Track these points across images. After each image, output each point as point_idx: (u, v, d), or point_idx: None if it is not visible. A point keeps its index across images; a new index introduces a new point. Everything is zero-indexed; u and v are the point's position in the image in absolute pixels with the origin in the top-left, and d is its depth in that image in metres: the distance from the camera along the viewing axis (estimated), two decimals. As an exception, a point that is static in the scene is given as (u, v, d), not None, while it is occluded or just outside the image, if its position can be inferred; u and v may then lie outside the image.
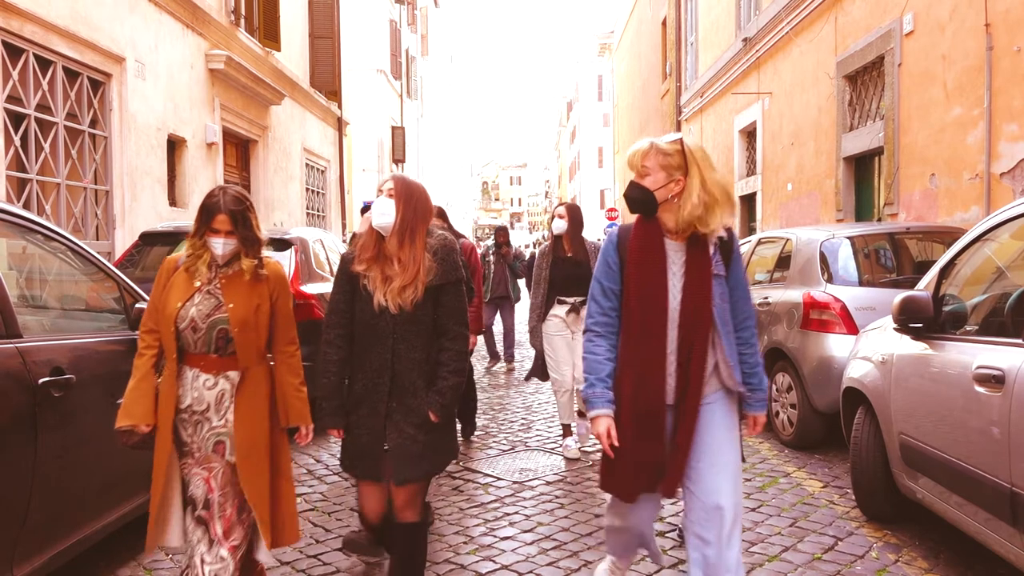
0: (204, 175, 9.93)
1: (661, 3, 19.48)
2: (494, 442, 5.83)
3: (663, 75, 19.67)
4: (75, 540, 2.98)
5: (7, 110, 6.43)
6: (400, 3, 25.11)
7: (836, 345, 5.14)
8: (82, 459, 3.00)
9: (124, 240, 7.82)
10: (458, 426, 5.47)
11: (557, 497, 4.50)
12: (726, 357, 2.51)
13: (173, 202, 9.24)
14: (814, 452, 5.41)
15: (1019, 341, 2.77)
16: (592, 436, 5.30)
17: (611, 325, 2.55)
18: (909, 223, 6.99)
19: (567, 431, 5.47)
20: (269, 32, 12.14)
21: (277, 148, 13.01)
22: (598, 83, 47.96)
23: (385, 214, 2.70)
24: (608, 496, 2.71)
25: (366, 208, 3.96)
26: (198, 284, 2.63)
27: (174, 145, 9.37)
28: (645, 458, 2.47)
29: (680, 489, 2.54)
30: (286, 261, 5.92)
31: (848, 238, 5.65)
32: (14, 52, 6.52)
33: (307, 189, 14.83)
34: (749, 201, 13.06)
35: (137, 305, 3.47)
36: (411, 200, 2.73)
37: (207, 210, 2.61)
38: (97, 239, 7.71)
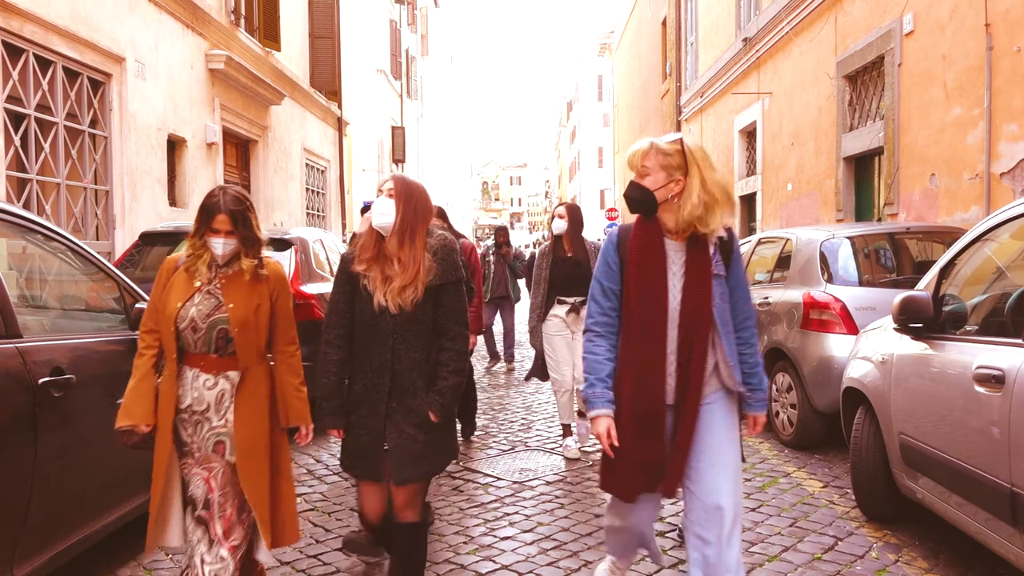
0: (204, 175, 9.93)
1: (661, 3, 19.48)
2: (494, 442, 5.83)
3: (663, 75, 19.67)
4: (75, 540, 2.98)
5: (7, 110, 6.43)
6: (400, 3, 25.11)
7: (836, 345, 5.14)
8: (82, 459, 3.00)
9: (124, 240, 7.82)
10: (458, 426, 5.47)
11: (557, 497, 4.50)
12: (726, 357, 2.51)
13: (173, 202, 9.24)
14: (814, 452, 5.41)
15: (1019, 341, 2.77)
16: (592, 436, 5.31)
17: (611, 325, 2.55)
18: (909, 223, 6.99)
19: (567, 431, 5.47)
20: (269, 32, 12.14)
21: (277, 148, 13.01)
22: (598, 83, 47.96)
23: (385, 214, 2.70)
24: (608, 496, 2.71)
25: (366, 208, 3.96)
26: (198, 284, 2.63)
27: (174, 145, 9.37)
28: (645, 458, 2.47)
29: (680, 489, 2.54)
30: (286, 261, 5.92)
31: (848, 238, 5.65)
32: (14, 52, 6.52)
33: (307, 189, 14.83)
34: (749, 201, 13.06)
35: (137, 305, 3.47)
36: (411, 200, 2.73)
37: (207, 210, 2.61)
38: (97, 239, 7.71)
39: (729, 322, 2.54)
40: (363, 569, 3.43)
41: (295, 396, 2.74)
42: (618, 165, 29.21)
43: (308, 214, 14.80)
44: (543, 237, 42.55)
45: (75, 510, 3.00)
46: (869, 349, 4.07)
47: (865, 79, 8.78)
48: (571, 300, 5.27)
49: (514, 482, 4.80)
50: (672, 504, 4.01)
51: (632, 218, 2.61)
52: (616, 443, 2.45)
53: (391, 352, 2.70)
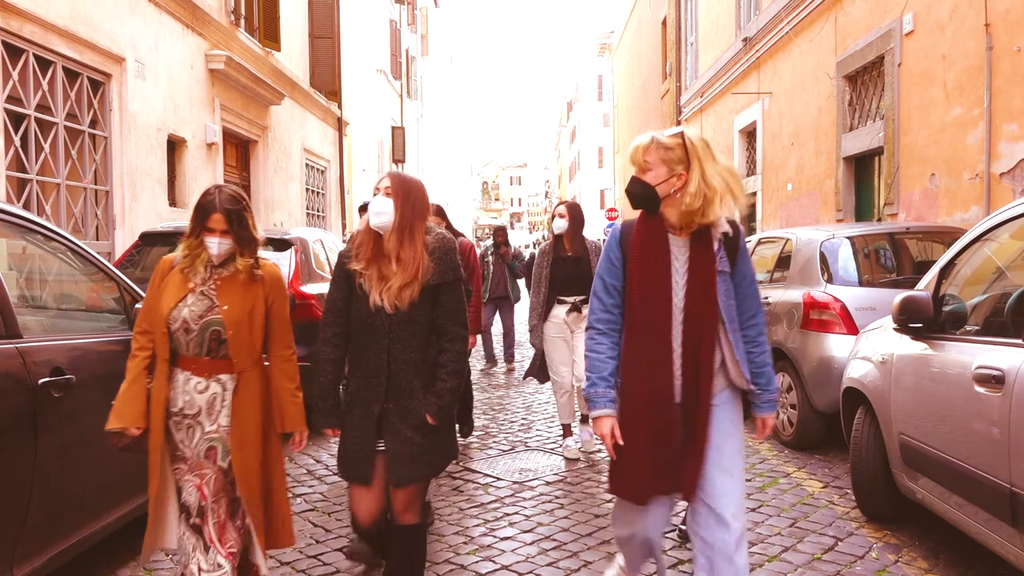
0: (204, 175, 9.93)
1: (661, 3, 19.48)
2: (494, 442, 5.83)
3: (663, 75, 19.67)
4: (75, 540, 2.98)
5: (7, 110, 6.43)
6: (400, 3, 25.11)
7: (836, 345, 5.14)
8: (82, 459, 2.99)
9: (124, 240, 7.82)
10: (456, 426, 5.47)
11: (557, 497, 4.50)
12: (733, 355, 2.47)
13: (173, 202, 9.24)
14: (814, 452, 5.41)
15: (1019, 341, 2.77)
16: (596, 439, 5.30)
17: (614, 322, 2.52)
18: (909, 223, 6.99)
19: (567, 431, 5.47)
20: (269, 32, 12.14)
21: (277, 148, 13.01)
22: (598, 83, 47.95)
23: (383, 213, 2.66)
24: (612, 504, 2.66)
25: (365, 208, 3.95)
26: (191, 285, 2.61)
27: (174, 145, 9.37)
28: (656, 459, 2.43)
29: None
30: (286, 261, 5.92)
31: (848, 238, 5.65)
32: (14, 52, 6.52)
33: (307, 189, 14.83)
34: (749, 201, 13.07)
35: (137, 305, 3.47)
36: (408, 198, 2.70)
37: (203, 209, 2.59)
38: (97, 239, 7.71)
39: (735, 319, 2.50)
40: (363, 570, 3.43)
41: (290, 401, 2.71)
42: (618, 165, 29.22)
43: (308, 214, 14.80)
44: (543, 237, 42.56)
45: (75, 510, 3.00)
46: (869, 349, 4.07)
47: (865, 79, 8.78)
48: (571, 299, 5.26)
49: (514, 482, 4.80)
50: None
51: (636, 214, 2.58)
52: (620, 442, 2.42)
53: (387, 352, 2.67)
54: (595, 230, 30.31)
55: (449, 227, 5.47)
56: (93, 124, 7.74)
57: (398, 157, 24.56)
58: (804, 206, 10.40)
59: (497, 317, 9.79)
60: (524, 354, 10.30)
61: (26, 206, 6.62)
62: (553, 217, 5.54)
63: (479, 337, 7.26)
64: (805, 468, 5.05)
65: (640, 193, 2.46)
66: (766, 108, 11.89)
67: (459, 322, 2.76)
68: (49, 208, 6.98)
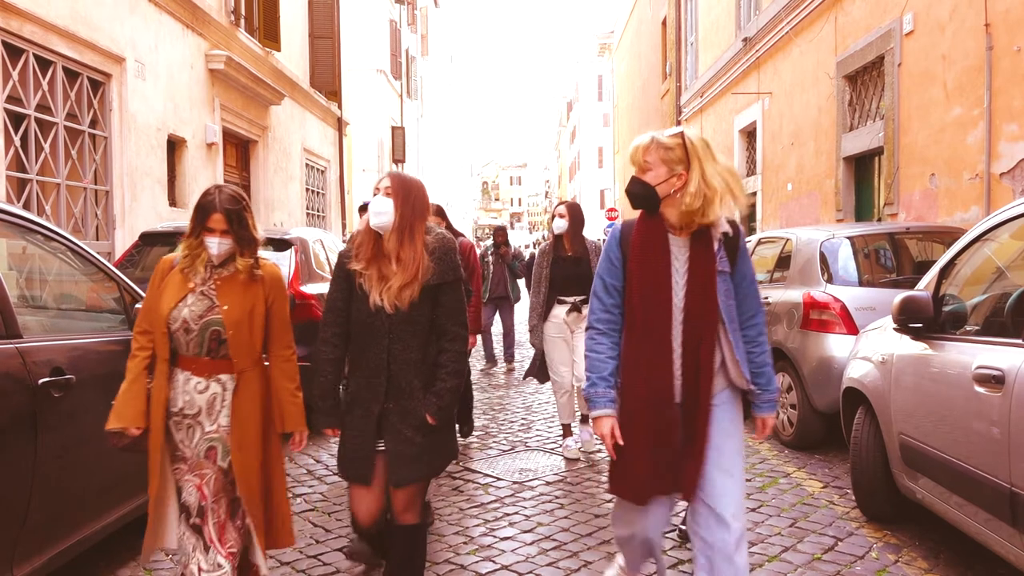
0: (204, 175, 9.93)
1: (661, 3, 19.48)
2: (494, 442, 5.83)
3: (663, 75, 19.67)
4: (75, 540, 2.98)
5: (7, 110, 6.43)
6: (400, 3, 25.12)
7: (836, 345, 5.14)
8: (82, 459, 2.99)
9: (124, 240, 7.82)
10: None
11: (557, 497, 4.50)
12: (733, 354, 2.47)
13: (173, 202, 9.24)
14: (814, 452, 5.41)
15: (1019, 341, 2.77)
16: (596, 439, 5.30)
17: (614, 322, 2.52)
18: (909, 223, 6.99)
19: (567, 431, 5.47)
20: (269, 32, 12.14)
21: (277, 148, 13.01)
22: (598, 83, 47.95)
23: (383, 213, 2.66)
24: (612, 504, 2.66)
25: (365, 207, 3.95)
26: (191, 285, 2.61)
27: (174, 145, 9.37)
28: (655, 459, 2.43)
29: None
30: (286, 261, 5.92)
31: (848, 238, 5.65)
32: (14, 52, 6.52)
33: (307, 189, 14.83)
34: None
35: (137, 305, 3.47)
36: (408, 197, 2.70)
37: (202, 209, 2.58)
38: (97, 239, 7.71)
39: (735, 319, 2.50)
40: (363, 570, 3.43)
41: (290, 401, 2.71)
42: (618, 165, 29.23)
43: (308, 214, 14.80)
44: (543, 237, 42.56)
45: (75, 510, 3.00)
46: (869, 349, 4.07)
47: (865, 79, 8.78)
48: (571, 299, 5.26)
49: (514, 482, 4.80)
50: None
51: (636, 214, 2.58)
52: (620, 442, 2.42)
53: (387, 352, 2.66)
54: (595, 230, 30.32)
55: (449, 227, 5.47)
56: (93, 124, 7.74)
57: (398, 157, 24.56)
58: (804, 206, 10.40)
59: (497, 317, 9.79)
60: (524, 354, 10.29)
61: (26, 206, 6.62)
62: (553, 217, 5.54)
63: (479, 337, 7.26)
64: (805, 468, 5.05)
65: (640, 193, 2.46)
66: (766, 108, 11.89)
67: (459, 322, 2.76)
68: (49, 208, 6.98)
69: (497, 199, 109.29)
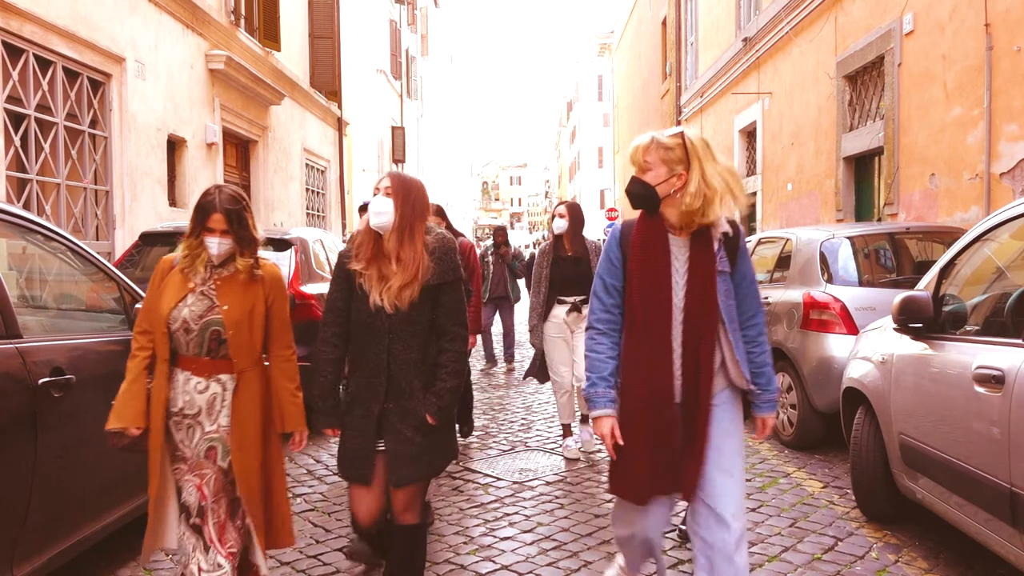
0: (204, 175, 9.93)
1: (661, 3, 19.48)
2: (494, 442, 5.83)
3: (663, 75, 19.67)
4: (75, 540, 2.98)
5: (7, 110, 6.43)
6: (400, 3, 25.12)
7: (836, 345, 5.14)
8: (82, 459, 2.99)
9: (124, 240, 7.82)
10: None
11: (557, 497, 4.50)
12: (733, 354, 2.47)
13: (173, 202, 9.24)
14: (814, 452, 5.41)
15: (1019, 341, 2.77)
16: (596, 439, 5.30)
17: (614, 322, 2.52)
18: (909, 223, 6.99)
19: (567, 431, 5.47)
20: (269, 32, 12.14)
21: (277, 148, 13.01)
22: (598, 83, 47.95)
23: (383, 213, 2.66)
24: (612, 504, 2.66)
25: (365, 207, 3.95)
26: (191, 285, 2.61)
27: (174, 145, 9.37)
28: (656, 459, 2.42)
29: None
30: (286, 261, 5.92)
31: (848, 238, 5.65)
32: (14, 52, 6.52)
33: (307, 189, 14.83)
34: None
35: (137, 305, 3.47)
36: (408, 197, 2.69)
37: (202, 209, 2.58)
38: (97, 239, 7.71)
39: (735, 319, 2.50)
40: (363, 570, 3.43)
41: (290, 402, 2.71)
42: (618, 165, 29.23)
43: (308, 214, 14.80)
44: (543, 237, 42.56)
45: (75, 510, 3.00)
46: (869, 349, 4.07)
47: (865, 79, 8.78)
48: (571, 299, 5.26)
49: (514, 482, 4.80)
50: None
51: (636, 214, 2.57)
52: (620, 442, 2.42)
53: (387, 352, 2.66)
54: (595, 230, 30.32)
55: (449, 227, 5.47)
56: (93, 124, 7.74)
57: (398, 157, 24.57)
58: (804, 206, 10.40)
59: (497, 317, 9.79)
60: (524, 354, 10.29)
61: (26, 206, 6.62)
62: (553, 217, 5.54)
63: (479, 337, 7.26)
64: (805, 468, 5.05)
65: (640, 193, 2.46)
66: (766, 108, 11.89)
67: (459, 322, 2.76)
68: (49, 208, 6.98)
69: (497, 199, 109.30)
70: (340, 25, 15.77)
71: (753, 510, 4.19)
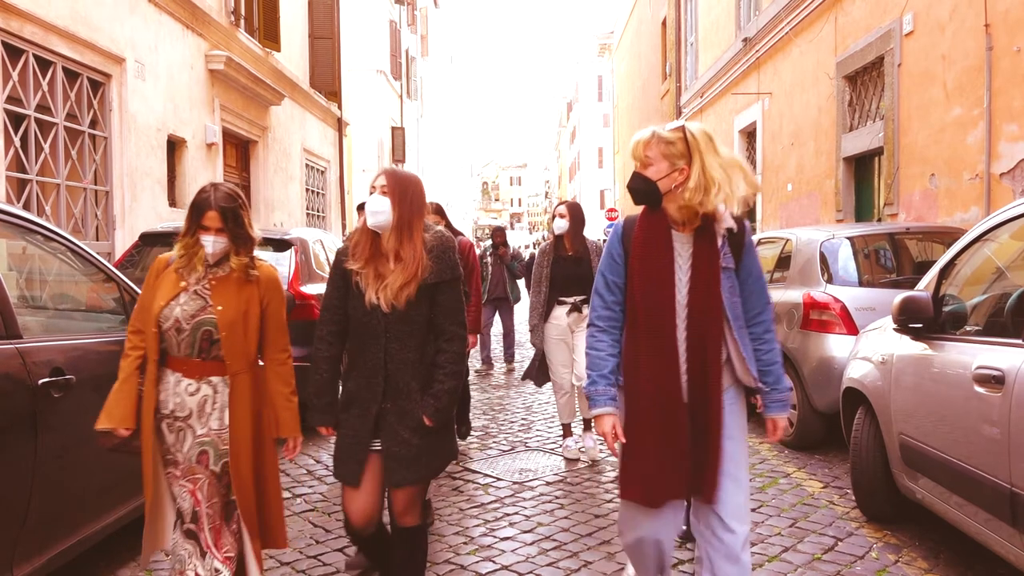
0: (204, 176, 9.93)
1: (661, 3, 19.48)
2: (494, 442, 5.83)
3: (663, 75, 19.67)
4: (75, 540, 2.98)
5: (7, 110, 6.43)
6: (400, 3, 25.11)
7: (836, 345, 5.14)
8: (82, 459, 2.99)
9: (124, 241, 7.82)
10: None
11: (557, 497, 4.50)
12: (740, 352, 2.42)
13: (173, 203, 9.24)
14: (814, 452, 5.41)
15: (1019, 341, 2.77)
16: (600, 444, 5.28)
17: (614, 319, 2.48)
18: (909, 223, 6.99)
19: (567, 431, 5.46)
20: (269, 32, 12.14)
21: (277, 148, 13.01)
22: (598, 83, 47.96)
23: (380, 212, 2.61)
24: (613, 505, 2.62)
25: (363, 207, 3.94)
26: (184, 284, 2.58)
27: (174, 145, 9.37)
28: (665, 460, 2.37)
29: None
30: (286, 261, 5.92)
31: (848, 238, 5.65)
32: (14, 52, 6.52)
33: (307, 189, 14.83)
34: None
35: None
36: (406, 195, 2.65)
37: (197, 207, 2.55)
38: (97, 240, 7.71)
39: (741, 316, 2.45)
40: (363, 570, 3.43)
41: (285, 407, 2.68)
42: (618, 165, 29.24)
43: (308, 214, 14.80)
44: (543, 237, 42.55)
45: (75, 510, 3.00)
46: (869, 349, 4.07)
47: (865, 79, 8.78)
48: (571, 300, 5.26)
49: (514, 482, 4.80)
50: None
51: (638, 211, 2.52)
52: (622, 439, 2.39)
53: (384, 352, 2.63)
54: (595, 230, 30.33)
55: (448, 226, 5.46)
56: (93, 124, 7.74)
57: (398, 157, 24.57)
58: (804, 206, 10.40)
59: (497, 318, 9.77)
60: (524, 354, 10.29)
61: (26, 206, 6.62)
62: (553, 217, 5.54)
63: (478, 337, 7.24)
64: (805, 468, 5.05)
65: (641, 189, 2.42)
66: (766, 108, 11.89)
67: (457, 322, 2.72)
68: (49, 208, 6.98)
69: (497, 199, 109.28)
70: (340, 25, 15.77)
71: (753, 510, 4.18)
